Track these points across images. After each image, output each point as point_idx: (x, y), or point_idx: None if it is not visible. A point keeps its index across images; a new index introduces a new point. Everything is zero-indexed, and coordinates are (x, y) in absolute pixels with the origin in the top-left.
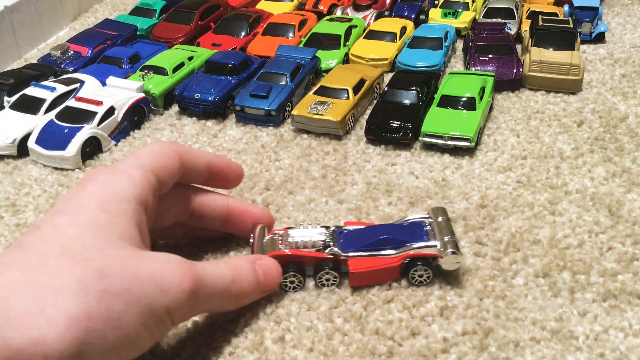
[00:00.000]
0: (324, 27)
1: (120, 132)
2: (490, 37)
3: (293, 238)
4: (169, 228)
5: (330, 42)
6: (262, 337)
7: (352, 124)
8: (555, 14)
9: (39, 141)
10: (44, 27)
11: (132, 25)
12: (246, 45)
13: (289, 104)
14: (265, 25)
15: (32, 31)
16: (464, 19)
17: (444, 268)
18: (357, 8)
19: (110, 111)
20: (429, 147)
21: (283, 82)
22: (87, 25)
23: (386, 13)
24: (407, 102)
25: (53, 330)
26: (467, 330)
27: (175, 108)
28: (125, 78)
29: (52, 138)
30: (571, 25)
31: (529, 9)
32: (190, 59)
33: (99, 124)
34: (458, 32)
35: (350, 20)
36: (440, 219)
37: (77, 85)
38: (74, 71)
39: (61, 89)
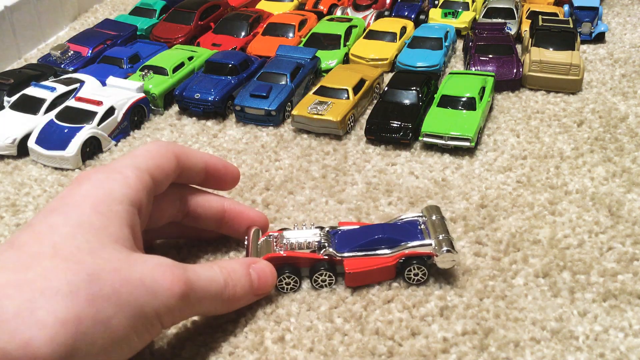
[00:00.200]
0: (324, 27)
1: (120, 132)
2: (490, 37)
3: (288, 239)
4: (164, 227)
5: (330, 42)
6: (262, 337)
7: (352, 124)
8: (555, 14)
9: (39, 141)
10: (44, 27)
11: (132, 25)
12: (246, 45)
13: (289, 104)
14: (265, 25)
15: (32, 31)
16: (464, 19)
17: (439, 266)
18: (357, 8)
19: (110, 111)
20: (429, 147)
21: (283, 82)
22: (87, 25)
23: (386, 13)
24: (407, 102)
25: (42, 333)
26: (467, 330)
27: (175, 108)
28: (125, 78)
29: (52, 138)
30: (571, 25)
31: (529, 9)
32: (190, 59)
33: (99, 124)
34: (458, 32)
35: (350, 20)
36: (434, 217)
37: (77, 85)
38: (74, 71)
39: (61, 89)
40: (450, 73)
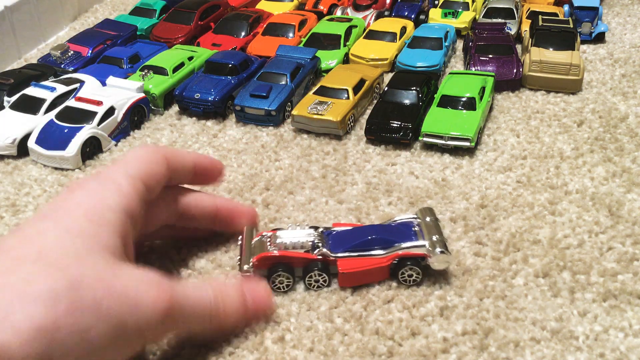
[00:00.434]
0: (324, 27)
1: (120, 132)
2: (490, 37)
3: (282, 239)
4: (158, 230)
5: (330, 42)
6: (262, 337)
7: (352, 124)
8: (555, 14)
9: (39, 141)
10: (44, 27)
11: (132, 25)
12: (246, 45)
13: (289, 104)
14: (265, 25)
15: (32, 31)
16: (464, 19)
17: (433, 267)
18: (357, 8)
19: (110, 111)
20: (429, 147)
21: (283, 82)
22: (87, 25)
23: (386, 13)
24: (407, 102)
25: (18, 337)
26: (467, 330)
27: (175, 108)
28: (125, 78)
29: (52, 138)
30: (571, 25)
31: (529, 9)
32: (190, 59)
33: (99, 124)
34: (458, 32)
35: (350, 20)
36: (428, 219)
37: (77, 85)
38: (74, 71)
39: (61, 89)
40: (450, 73)
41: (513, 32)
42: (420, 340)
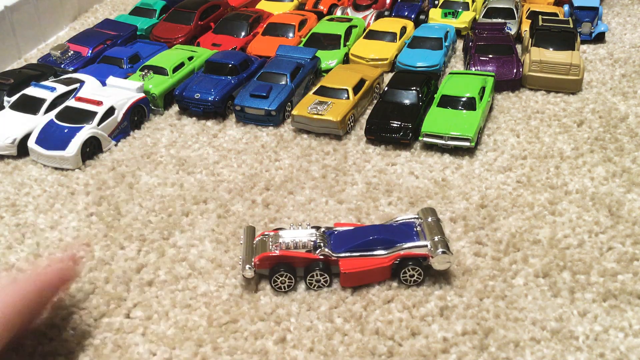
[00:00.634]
0: (324, 27)
1: (120, 132)
2: (490, 37)
3: (283, 239)
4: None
5: (330, 42)
6: (262, 338)
7: (352, 124)
8: (555, 14)
9: (39, 141)
10: (44, 27)
11: (132, 25)
12: (246, 45)
13: (289, 104)
14: (265, 25)
15: (32, 31)
16: (464, 19)
17: (435, 268)
18: (357, 8)
19: (110, 111)
20: (429, 147)
21: (283, 82)
22: (87, 25)
23: (386, 13)
24: (407, 102)
25: None
26: (467, 330)
27: (175, 108)
28: (125, 78)
29: (52, 138)
30: (571, 25)
31: (529, 9)
32: (190, 59)
33: (99, 124)
34: (458, 32)
35: (350, 20)
36: (430, 219)
37: (77, 85)
38: (74, 71)
39: (61, 89)
40: (450, 73)
41: (513, 32)
42: (420, 340)
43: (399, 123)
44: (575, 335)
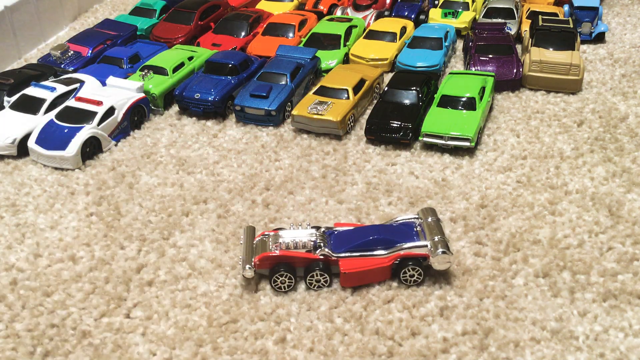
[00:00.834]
0: (324, 27)
1: (120, 132)
2: (490, 37)
3: (283, 239)
4: None
5: (330, 42)
6: (262, 338)
7: (352, 124)
8: (555, 14)
9: (39, 141)
10: (44, 27)
11: (132, 25)
12: (246, 45)
13: (289, 104)
14: (265, 25)
15: (32, 31)
16: (464, 19)
17: (434, 268)
18: (357, 8)
19: (110, 111)
20: (429, 147)
21: (283, 82)
22: (87, 25)
23: (386, 13)
24: (407, 102)
25: None
26: (467, 330)
27: (175, 108)
28: (125, 78)
29: (52, 138)
30: (571, 25)
31: (529, 9)
32: (190, 59)
33: (99, 124)
34: (458, 32)
35: (350, 20)
36: (430, 219)
37: (77, 85)
38: (74, 71)
39: (61, 89)
40: (450, 73)
41: (513, 32)
42: (420, 340)
43: (399, 123)
44: (575, 335)
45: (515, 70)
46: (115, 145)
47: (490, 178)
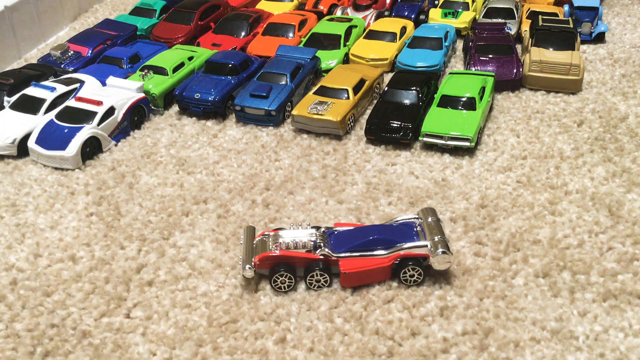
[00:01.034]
0: (324, 27)
1: (121, 132)
2: (490, 37)
3: (283, 239)
4: None
5: (330, 42)
6: (262, 338)
7: (352, 124)
8: (555, 14)
9: (39, 141)
10: (44, 27)
11: (132, 25)
12: (246, 45)
13: (289, 104)
14: (265, 25)
15: (32, 31)
16: (464, 19)
17: (434, 268)
18: (357, 8)
19: (110, 111)
20: (429, 147)
21: (283, 82)
22: (87, 25)
23: (386, 13)
24: (407, 102)
25: None
26: (467, 330)
27: (175, 108)
28: (125, 78)
29: (52, 138)
30: (571, 25)
31: (529, 9)
32: (190, 59)
33: (99, 124)
34: (458, 32)
35: (350, 20)
36: (430, 219)
37: (77, 85)
38: (74, 71)
39: (61, 89)
40: (450, 73)
41: (513, 32)
42: (420, 340)
43: (399, 123)
44: (575, 335)
45: (515, 70)
46: (115, 145)
47: (490, 178)
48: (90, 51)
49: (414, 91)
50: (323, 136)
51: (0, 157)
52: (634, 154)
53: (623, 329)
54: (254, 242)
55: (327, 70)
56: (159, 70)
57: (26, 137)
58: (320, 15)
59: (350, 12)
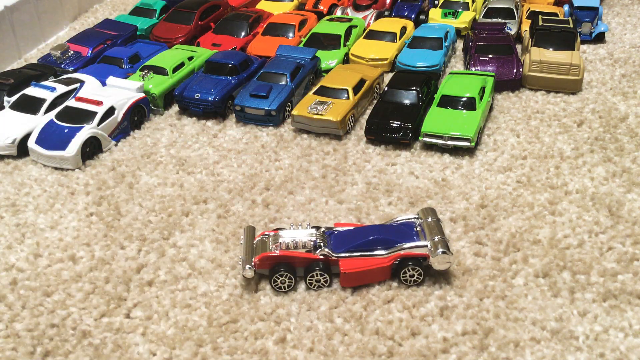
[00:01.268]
0: (324, 27)
1: (121, 132)
2: (490, 37)
3: (283, 239)
4: None
5: (330, 42)
6: (262, 338)
7: (352, 124)
8: (555, 14)
9: (39, 141)
10: (44, 27)
11: (132, 25)
12: (246, 45)
13: (289, 104)
14: (265, 25)
15: (32, 31)
16: (464, 19)
17: (434, 268)
18: (357, 8)
19: (110, 111)
20: (429, 147)
21: (283, 82)
22: (87, 25)
23: (386, 13)
24: (407, 102)
25: None
26: (467, 330)
27: (175, 108)
28: (125, 78)
29: (52, 138)
30: (571, 25)
31: (529, 9)
32: (190, 59)
33: (99, 124)
34: (458, 32)
35: (350, 20)
36: (430, 219)
37: (77, 85)
38: (74, 71)
39: (61, 89)
40: (450, 73)
41: (513, 32)
42: (420, 340)
43: (399, 123)
44: (575, 335)
45: (515, 70)
46: (115, 145)
47: (490, 178)
48: (90, 51)
49: (414, 91)
50: (323, 136)
51: (0, 157)
52: (634, 154)
53: (623, 329)
54: (254, 242)
55: (327, 70)
56: (159, 70)
57: (26, 137)
58: (320, 15)
59: (350, 12)
